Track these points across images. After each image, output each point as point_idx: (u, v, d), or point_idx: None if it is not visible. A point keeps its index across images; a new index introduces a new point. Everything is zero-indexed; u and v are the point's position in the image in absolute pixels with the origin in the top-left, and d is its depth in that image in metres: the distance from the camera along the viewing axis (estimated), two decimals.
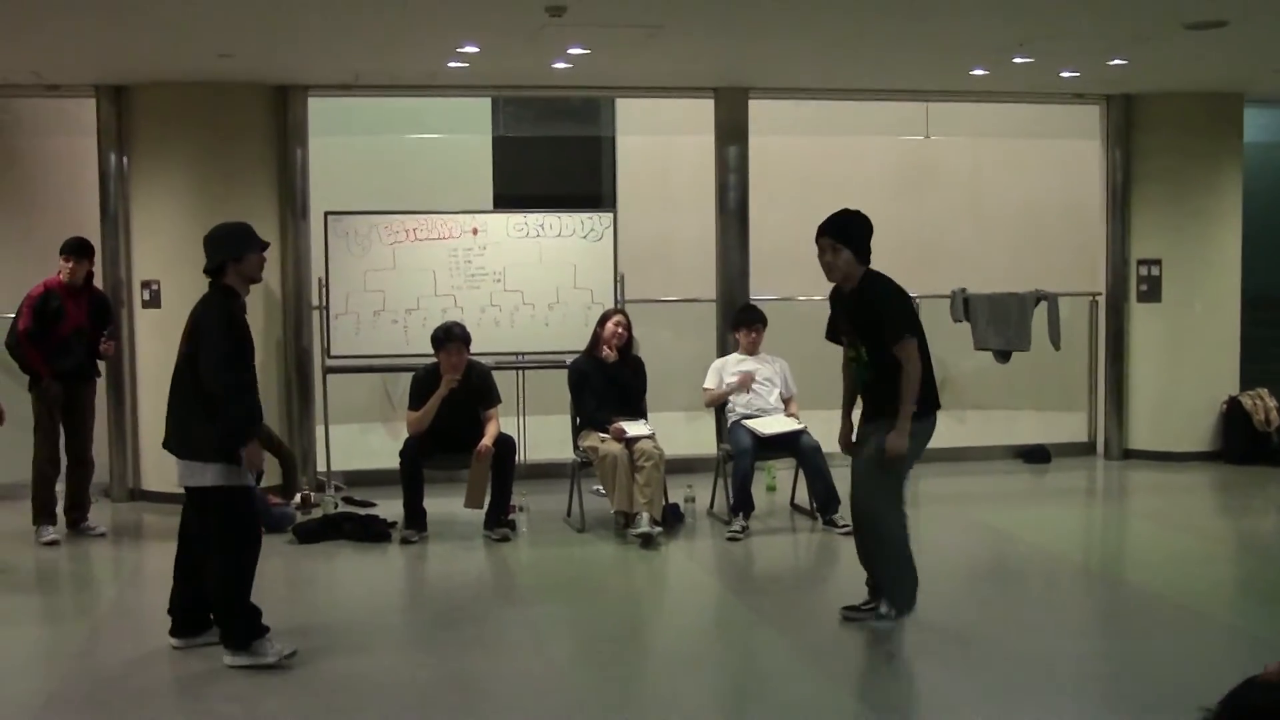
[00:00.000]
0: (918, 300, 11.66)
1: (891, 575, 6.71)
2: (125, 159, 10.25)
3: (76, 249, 8.91)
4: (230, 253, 6.27)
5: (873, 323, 6.58)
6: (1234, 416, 11.60)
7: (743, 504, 9.03)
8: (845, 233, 6.68)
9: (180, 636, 6.41)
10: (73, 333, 8.92)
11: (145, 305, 10.14)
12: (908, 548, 6.72)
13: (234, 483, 6.13)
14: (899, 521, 6.71)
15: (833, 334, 7.04)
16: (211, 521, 6.20)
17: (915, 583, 6.72)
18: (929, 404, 6.65)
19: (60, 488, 9.03)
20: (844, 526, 8.91)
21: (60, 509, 9.06)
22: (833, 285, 6.83)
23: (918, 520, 10.23)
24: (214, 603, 6.25)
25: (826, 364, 11.52)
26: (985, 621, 7.09)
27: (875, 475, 6.64)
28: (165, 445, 6.32)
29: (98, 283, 9.36)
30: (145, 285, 10.11)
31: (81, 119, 10.37)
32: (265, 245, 6.48)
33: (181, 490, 6.36)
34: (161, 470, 10.03)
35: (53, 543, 8.79)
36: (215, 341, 6.10)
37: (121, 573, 8.56)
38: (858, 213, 6.81)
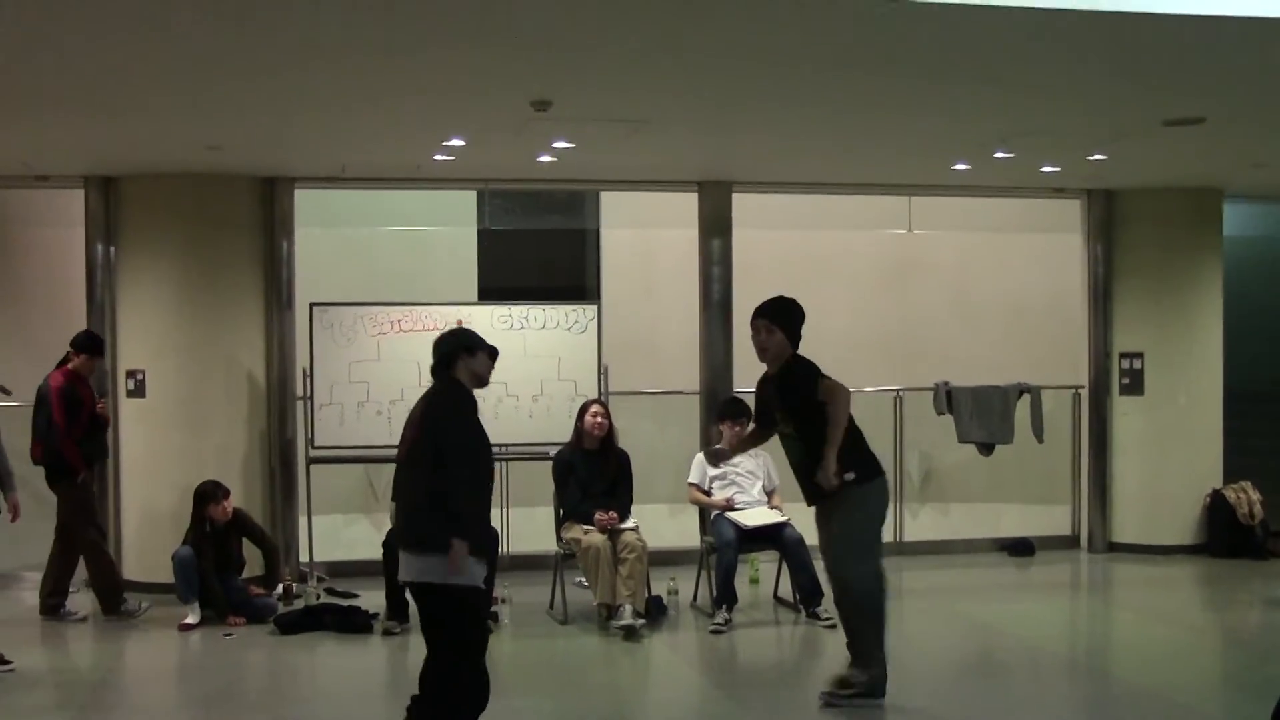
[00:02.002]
0: (901, 392, 11.80)
1: (872, 632, 6.94)
2: (113, 249, 10.29)
3: (96, 345, 9.28)
4: (463, 348, 6.05)
5: (798, 396, 6.85)
6: (1218, 509, 11.61)
7: (726, 596, 8.99)
8: (782, 316, 6.95)
9: None
10: (94, 417, 9.22)
11: (130, 394, 10.12)
12: (883, 606, 6.97)
13: (470, 582, 5.76)
14: (873, 573, 6.94)
15: (762, 419, 7.29)
16: (450, 621, 5.82)
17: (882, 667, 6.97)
18: (872, 468, 6.93)
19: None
20: (827, 619, 8.89)
21: (38, 594, 9.21)
22: (761, 377, 7.15)
23: (901, 612, 10.25)
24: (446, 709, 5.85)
25: None
26: (971, 715, 7.04)
27: (846, 547, 6.89)
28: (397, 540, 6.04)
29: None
30: (130, 374, 10.10)
31: (70, 210, 10.43)
32: (495, 352, 6.21)
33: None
34: (144, 559, 10.01)
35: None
36: (454, 427, 5.83)
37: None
38: (793, 300, 7.06)
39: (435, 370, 6.08)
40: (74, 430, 9.05)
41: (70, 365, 9.15)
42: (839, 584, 7.00)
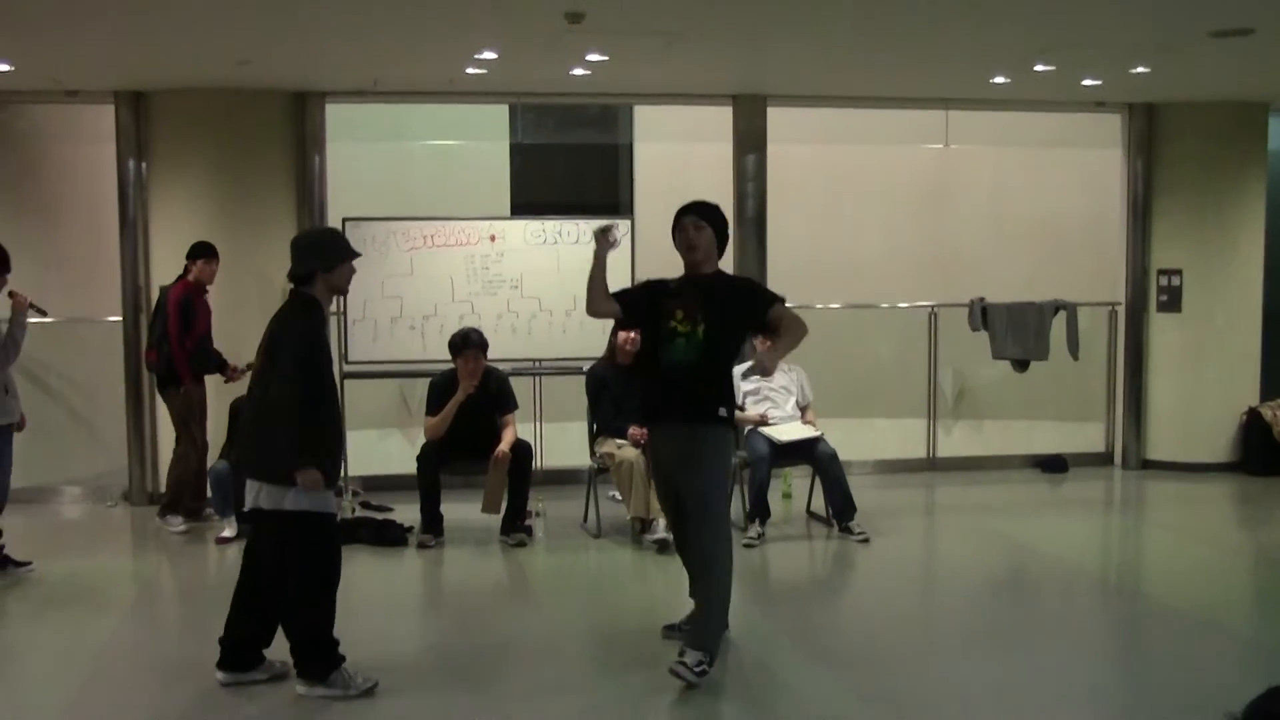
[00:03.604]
0: (935, 309, 11.73)
1: (714, 612, 6.20)
2: (144, 165, 10.28)
3: (205, 251, 9.36)
4: (322, 262, 5.90)
5: (744, 308, 6.29)
6: (1254, 428, 11.54)
7: (759, 511, 9.02)
8: (710, 214, 6.38)
9: (229, 671, 6.00)
10: (206, 334, 9.36)
11: None
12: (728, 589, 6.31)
13: (319, 508, 5.82)
14: (728, 554, 6.24)
15: (633, 312, 6.46)
16: (293, 549, 5.83)
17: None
18: (732, 418, 6.37)
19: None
20: (860, 534, 8.91)
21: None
22: (682, 279, 6.38)
23: (934, 528, 10.29)
24: (294, 632, 5.90)
25: (843, 372, 11.57)
26: (1001, 631, 7.06)
27: (701, 500, 6.17)
28: (240, 466, 6.09)
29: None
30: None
31: (100, 125, 10.40)
32: (356, 255, 6.08)
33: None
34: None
35: (184, 532, 9.27)
36: (288, 357, 5.73)
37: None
38: (719, 206, 6.53)
39: (293, 280, 5.97)
40: (186, 341, 9.21)
41: (190, 276, 9.32)
42: (702, 545, 6.21)
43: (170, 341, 9.19)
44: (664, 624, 6.74)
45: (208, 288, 9.39)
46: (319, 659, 5.86)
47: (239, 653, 6.00)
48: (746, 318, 6.36)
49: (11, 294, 7.94)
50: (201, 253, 9.36)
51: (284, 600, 5.87)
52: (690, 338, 6.12)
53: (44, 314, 8.24)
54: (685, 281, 6.35)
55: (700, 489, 6.14)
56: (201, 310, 9.34)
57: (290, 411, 5.68)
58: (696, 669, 5.91)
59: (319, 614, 5.88)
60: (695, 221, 6.33)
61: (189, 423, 9.37)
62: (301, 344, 5.74)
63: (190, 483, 9.39)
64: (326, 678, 5.83)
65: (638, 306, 6.40)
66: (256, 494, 5.86)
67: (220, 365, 9.39)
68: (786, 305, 6.35)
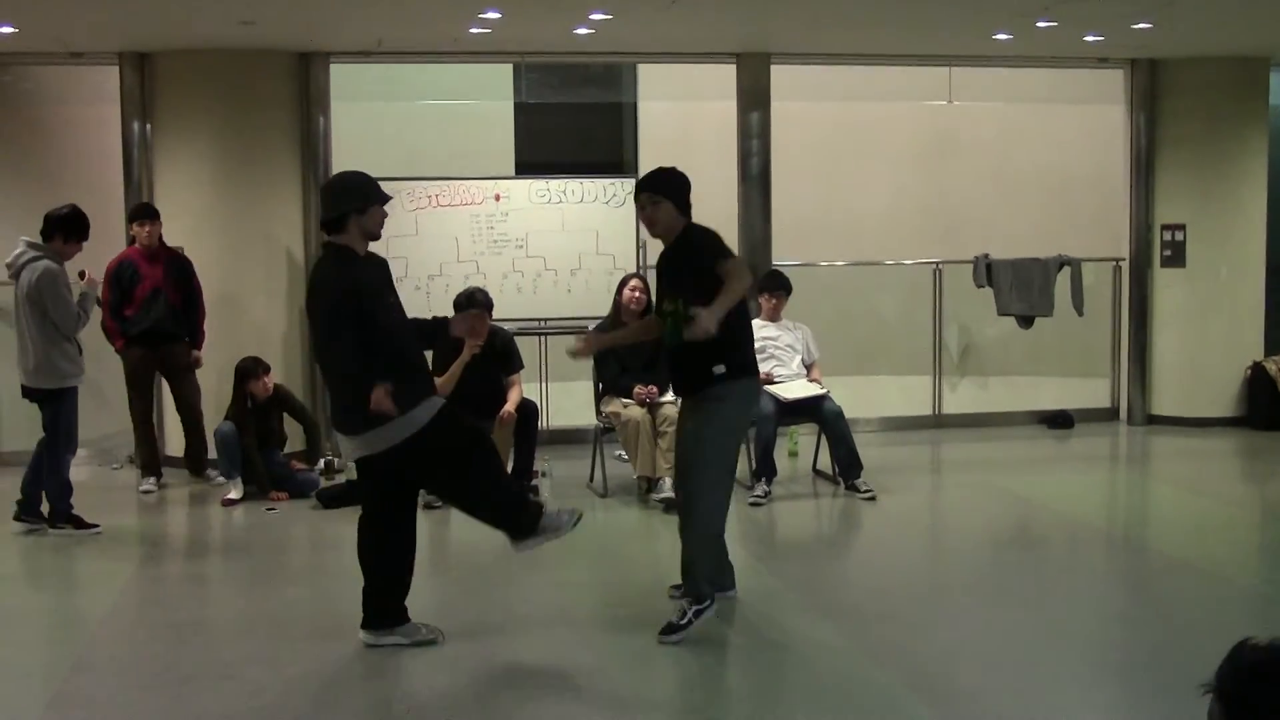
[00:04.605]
0: (940, 265, 11.73)
1: (694, 559, 6.25)
2: (148, 126, 10.27)
3: (142, 213, 9.38)
4: (354, 204, 5.78)
5: (691, 267, 6.13)
6: (1258, 382, 11.57)
7: (765, 469, 9.05)
8: (664, 186, 6.28)
9: (374, 629, 5.98)
10: (150, 294, 9.30)
11: None
12: (720, 540, 6.40)
13: (428, 416, 5.71)
14: (718, 511, 6.26)
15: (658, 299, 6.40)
16: (439, 457, 5.80)
17: (722, 570, 6.49)
18: (744, 369, 6.26)
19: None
20: (867, 491, 8.95)
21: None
22: (660, 255, 6.45)
23: (941, 485, 10.33)
24: (503, 506, 5.93)
25: (848, 330, 11.60)
26: (1009, 587, 7.11)
27: (696, 453, 6.20)
28: (336, 427, 6.08)
29: (122, 246, 9.55)
30: None
31: (105, 87, 10.39)
32: (388, 198, 6.01)
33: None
34: (177, 437, 10.14)
35: (147, 492, 9.38)
36: (332, 322, 5.65)
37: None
38: (673, 168, 6.43)
39: (325, 228, 5.91)
40: (125, 309, 9.32)
41: (134, 243, 9.48)
42: (684, 499, 6.32)
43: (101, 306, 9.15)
44: (670, 584, 6.77)
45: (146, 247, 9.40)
46: (524, 519, 5.90)
47: (382, 611, 5.98)
48: (706, 278, 6.04)
49: (81, 273, 8.32)
50: (133, 215, 9.50)
51: (475, 500, 5.94)
52: (676, 315, 5.96)
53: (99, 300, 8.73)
54: (661, 259, 6.41)
55: (694, 438, 6.19)
56: (147, 274, 9.32)
57: (344, 368, 5.66)
58: (679, 620, 6.06)
59: (503, 488, 5.97)
60: (649, 199, 6.26)
61: (128, 385, 9.50)
62: (336, 299, 5.65)
63: (140, 444, 9.55)
64: (536, 528, 5.86)
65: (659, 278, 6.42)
66: (354, 448, 5.83)
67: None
68: (735, 259, 6.20)
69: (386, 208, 5.97)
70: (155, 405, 9.87)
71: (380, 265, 6.02)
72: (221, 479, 9.32)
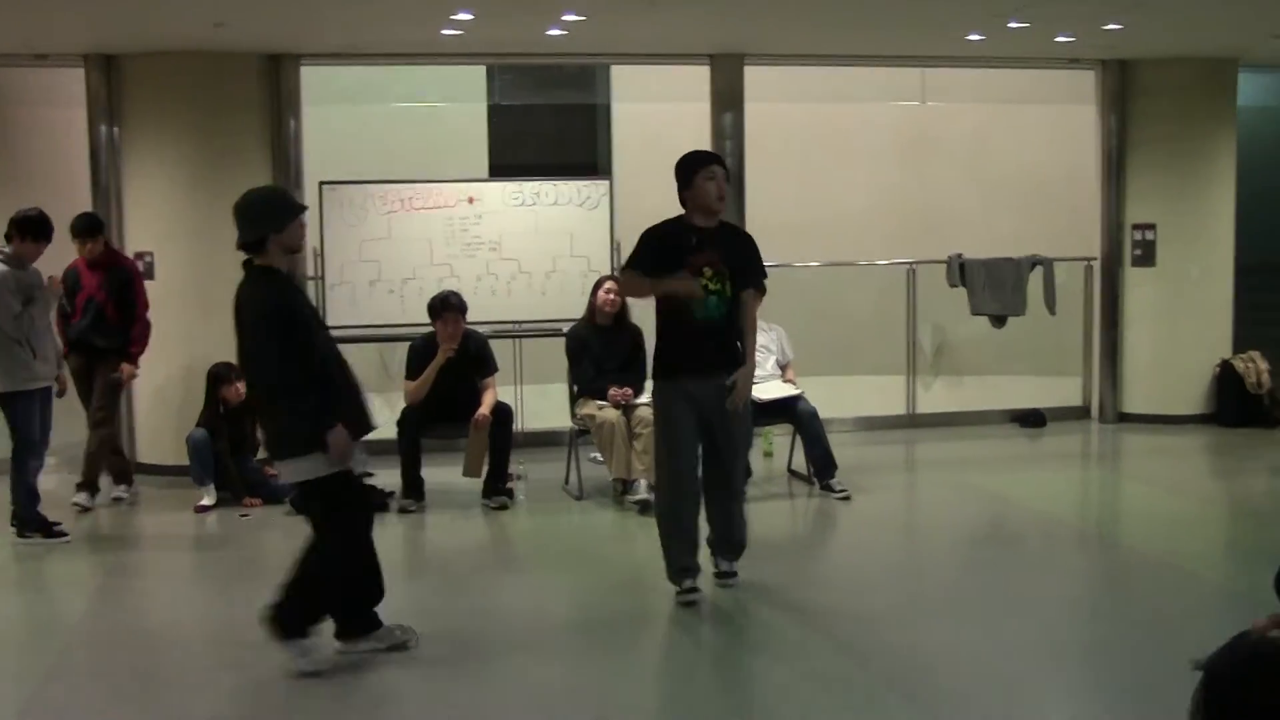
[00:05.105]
0: (914, 265, 11.76)
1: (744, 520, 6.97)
2: (116, 129, 10.19)
3: (78, 229, 8.99)
4: (272, 224, 5.66)
5: (747, 257, 6.66)
6: (1227, 379, 11.63)
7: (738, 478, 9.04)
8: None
9: (347, 638, 5.92)
10: (84, 304, 9.04)
11: None
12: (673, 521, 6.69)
13: (319, 474, 5.64)
14: (663, 487, 6.80)
15: (685, 266, 6.46)
16: (314, 510, 5.80)
17: (684, 554, 6.69)
18: (662, 368, 6.68)
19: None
20: (841, 491, 8.96)
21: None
22: (703, 227, 6.59)
23: (915, 483, 10.36)
24: (298, 582, 5.71)
25: (823, 330, 11.61)
26: (982, 585, 7.14)
27: (747, 425, 6.99)
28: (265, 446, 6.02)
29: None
30: (138, 257, 10.05)
31: (71, 89, 10.31)
32: (304, 208, 5.95)
33: None
34: (155, 442, 10.09)
35: (117, 499, 9.25)
36: (260, 338, 5.61)
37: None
38: None
39: (244, 249, 5.74)
40: (73, 318, 9.06)
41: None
42: (731, 473, 6.86)
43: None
44: (712, 573, 6.93)
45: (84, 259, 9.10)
46: (303, 616, 5.73)
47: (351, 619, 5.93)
48: (750, 273, 6.66)
49: (50, 279, 8.22)
50: (71, 231, 9.03)
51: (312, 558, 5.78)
52: (721, 294, 6.43)
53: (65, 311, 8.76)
54: (707, 235, 6.54)
55: (745, 429, 6.89)
56: (86, 283, 9.06)
57: (270, 390, 5.64)
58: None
59: (336, 577, 5.81)
60: (724, 173, 6.61)
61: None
62: (265, 320, 5.58)
63: (93, 455, 9.15)
64: (304, 631, 5.69)
65: (664, 244, 6.55)
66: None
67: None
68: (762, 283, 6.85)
69: (303, 216, 5.87)
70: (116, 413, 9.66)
71: (301, 290, 5.94)
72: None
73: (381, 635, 5.94)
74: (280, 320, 5.58)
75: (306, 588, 5.72)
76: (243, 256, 5.81)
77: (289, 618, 5.66)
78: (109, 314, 9.04)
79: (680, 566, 6.64)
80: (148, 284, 9.68)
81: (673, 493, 6.64)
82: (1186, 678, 3.30)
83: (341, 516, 5.78)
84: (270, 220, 5.70)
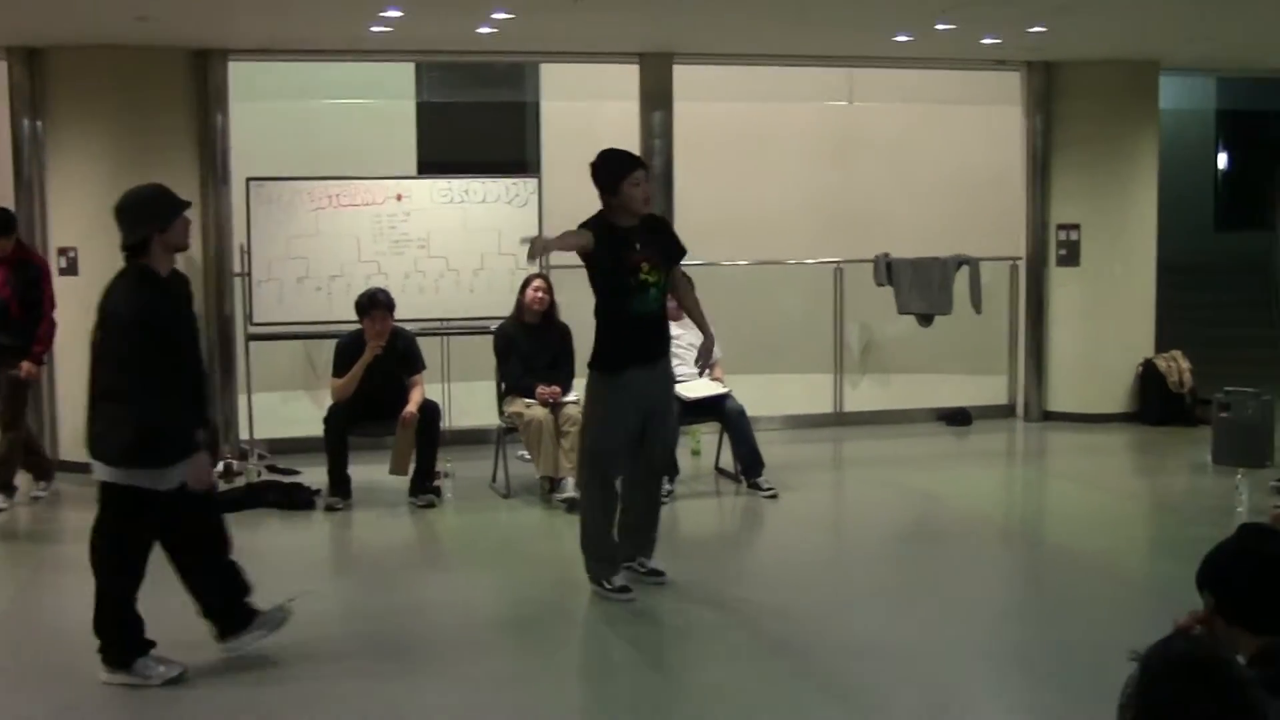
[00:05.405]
0: (841, 265, 11.83)
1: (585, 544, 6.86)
2: (40, 123, 10.06)
3: None
4: (156, 223, 5.46)
5: (669, 242, 6.86)
6: (1149, 378, 11.79)
7: (668, 468, 9.07)
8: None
9: (230, 636, 5.79)
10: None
11: (62, 273, 9.94)
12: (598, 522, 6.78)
13: (126, 482, 5.49)
14: (584, 485, 6.97)
15: (622, 265, 6.55)
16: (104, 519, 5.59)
17: (606, 559, 6.77)
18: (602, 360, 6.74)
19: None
20: (768, 490, 9.00)
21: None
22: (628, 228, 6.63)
23: (842, 481, 10.43)
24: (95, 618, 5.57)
25: (750, 328, 11.65)
26: (909, 581, 7.20)
27: (674, 412, 7.32)
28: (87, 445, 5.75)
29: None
30: (62, 252, 9.95)
31: None
32: (187, 204, 5.65)
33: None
34: (80, 440, 9.94)
35: (35, 498, 9.15)
36: (111, 340, 5.43)
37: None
38: None
39: (127, 251, 5.52)
40: None
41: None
42: (663, 454, 7.19)
43: None
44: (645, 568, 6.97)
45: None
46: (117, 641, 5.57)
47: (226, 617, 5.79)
48: (674, 254, 6.86)
49: None
50: None
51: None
52: (658, 286, 6.64)
53: None
54: (639, 230, 6.65)
55: (676, 423, 7.32)
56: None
57: (105, 391, 5.50)
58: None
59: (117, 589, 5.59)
60: (645, 174, 6.75)
61: None
62: (120, 327, 5.40)
63: (4, 458, 8.92)
64: (130, 664, 5.54)
65: (602, 244, 6.52)
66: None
67: None
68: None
69: (187, 213, 5.65)
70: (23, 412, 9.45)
71: (181, 284, 5.71)
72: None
73: (263, 622, 5.79)
74: (135, 331, 5.39)
75: (101, 616, 5.59)
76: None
77: (106, 650, 5.56)
78: (13, 311, 8.76)
79: (609, 560, 6.68)
80: (71, 280, 9.59)
81: (601, 484, 6.67)
82: (1111, 669, 3.34)
83: (120, 532, 5.58)
84: (153, 219, 5.50)
